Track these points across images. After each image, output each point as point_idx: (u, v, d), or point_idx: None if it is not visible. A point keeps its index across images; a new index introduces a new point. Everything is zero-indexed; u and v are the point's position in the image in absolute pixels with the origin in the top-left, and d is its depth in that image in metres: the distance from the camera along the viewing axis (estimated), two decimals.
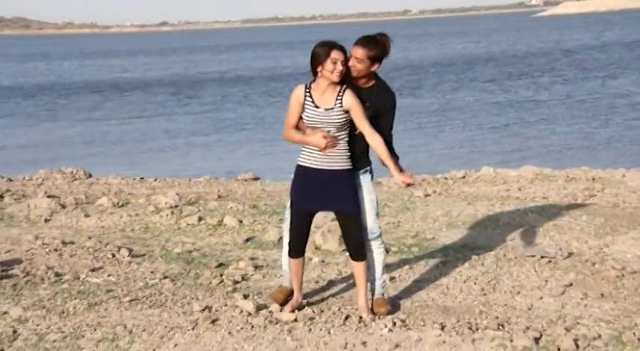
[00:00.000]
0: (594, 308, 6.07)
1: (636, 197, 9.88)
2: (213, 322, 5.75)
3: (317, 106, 5.67)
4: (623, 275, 6.81)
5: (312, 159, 5.72)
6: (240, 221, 9.09)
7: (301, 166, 5.78)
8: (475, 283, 6.69)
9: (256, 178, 13.50)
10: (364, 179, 5.88)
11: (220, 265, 7.39)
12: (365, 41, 5.74)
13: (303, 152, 5.76)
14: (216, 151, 22.81)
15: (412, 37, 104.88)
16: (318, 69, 5.65)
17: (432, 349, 5.25)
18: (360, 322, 5.73)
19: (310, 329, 5.59)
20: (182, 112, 32.85)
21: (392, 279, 6.84)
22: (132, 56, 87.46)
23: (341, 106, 5.65)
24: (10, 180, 13.14)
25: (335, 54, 5.60)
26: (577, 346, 5.26)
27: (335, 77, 5.61)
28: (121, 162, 20.57)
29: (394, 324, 5.65)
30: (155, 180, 13.33)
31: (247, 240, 8.38)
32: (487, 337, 5.42)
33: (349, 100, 5.65)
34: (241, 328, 5.62)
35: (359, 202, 5.83)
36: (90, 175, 13.87)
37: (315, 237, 7.95)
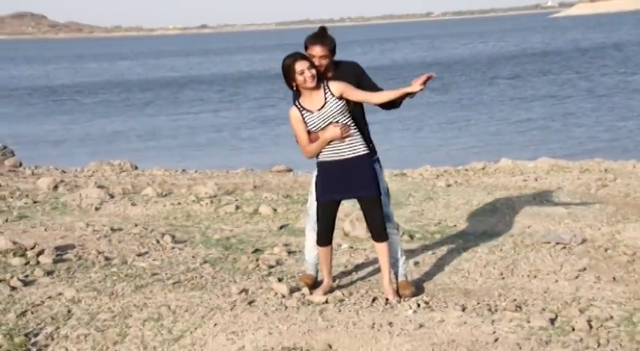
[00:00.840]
0: (607, 291, 6.01)
1: None
2: (250, 303, 5.77)
3: (312, 111, 5.63)
4: (633, 260, 6.74)
5: (330, 152, 5.68)
6: (275, 210, 9.11)
7: (322, 161, 5.74)
8: (494, 268, 6.65)
9: (289, 170, 13.51)
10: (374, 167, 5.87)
11: (256, 250, 7.40)
12: (319, 39, 5.70)
13: (322, 150, 5.72)
14: (258, 144, 22.84)
15: (437, 37, 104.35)
16: (293, 84, 5.62)
17: (454, 329, 5.23)
18: (386, 304, 5.72)
19: (340, 310, 5.59)
20: (226, 107, 32.91)
21: (416, 264, 6.82)
22: (177, 56, 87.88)
23: (333, 96, 5.61)
24: (64, 172, 13.27)
25: (298, 65, 5.56)
26: (590, 327, 5.22)
27: (309, 84, 5.57)
28: (168, 154, 20.72)
29: (418, 306, 5.64)
30: (196, 171, 13.39)
31: (281, 227, 8.40)
32: (505, 318, 5.39)
33: (337, 86, 5.63)
34: (276, 309, 5.64)
35: (379, 186, 5.78)
36: (136, 167, 13.96)
37: (344, 224, 7.94)
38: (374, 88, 5.79)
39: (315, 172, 5.88)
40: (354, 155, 5.67)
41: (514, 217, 8.44)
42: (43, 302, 5.91)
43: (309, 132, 5.68)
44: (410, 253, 7.14)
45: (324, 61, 5.69)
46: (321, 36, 5.74)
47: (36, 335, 5.32)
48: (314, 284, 6.17)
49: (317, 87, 5.62)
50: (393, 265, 6.00)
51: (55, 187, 10.93)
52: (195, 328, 5.37)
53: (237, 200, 9.75)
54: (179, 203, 9.64)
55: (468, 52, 64.03)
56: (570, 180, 10.53)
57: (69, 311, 5.72)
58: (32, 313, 5.69)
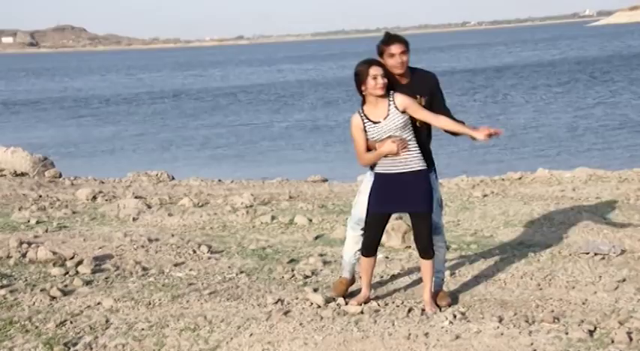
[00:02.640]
0: None
1: None
2: (285, 313, 5.77)
3: (376, 122, 5.62)
4: None
5: (388, 165, 5.66)
6: (310, 220, 9.11)
7: (380, 173, 5.71)
8: (531, 279, 6.59)
9: (325, 180, 13.52)
10: (430, 177, 5.82)
11: (292, 260, 7.41)
12: (395, 37, 5.71)
13: (379, 162, 5.70)
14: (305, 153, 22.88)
15: (479, 47, 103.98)
16: (362, 88, 5.62)
17: (491, 340, 5.18)
18: (422, 314, 5.69)
19: (375, 321, 5.57)
20: (274, 118, 32.90)
21: (452, 274, 6.78)
22: (219, 67, 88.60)
23: (397, 110, 5.59)
24: (102, 182, 13.41)
25: (373, 70, 5.56)
26: (630, 339, 5.14)
27: (379, 91, 5.56)
28: (212, 163, 20.92)
29: (454, 317, 5.60)
30: (232, 182, 13.45)
31: (316, 237, 8.39)
32: (543, 329, 5.33)
33: (402, 100, 5.60)
34: (311, 320, 5.64)
35: (432, 203, 5.75)
36: (173, 178, 14.07)
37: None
38: (443, 107, 5.76)
39: (369, 174, 5.86)
40: (410, 170, 5.65)
41: (551, 227, 8.36)
42: (82, 312, 5.97)
43: (367, 140, 5.69)
44: (446, 264, 7.11)
45: (405, 58, 5.66)
46: (395, 35, 5.75)
47: (75, 344, 5.37)
48: (348, 289, 6.14)
49: (383, 96, 5.61)
50: (434, 276, 5.97)
51: (94, 198, 11.05)
52: (232, 338, 5.39)
53: (272, 210, 9.78)
54: (215, 213, 9.69)
55: (513, 60, 63.71)
56: (609, 190, 10.40)
57: (107, 321, 5.77)
58: (71, 322, 5.75)
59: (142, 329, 5.60)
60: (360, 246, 6.01)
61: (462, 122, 5.70)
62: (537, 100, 33.22)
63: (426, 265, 5.82)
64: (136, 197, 10.78)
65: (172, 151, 24.58)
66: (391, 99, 5.62)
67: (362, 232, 5.99)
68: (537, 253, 7.32)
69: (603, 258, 7.06)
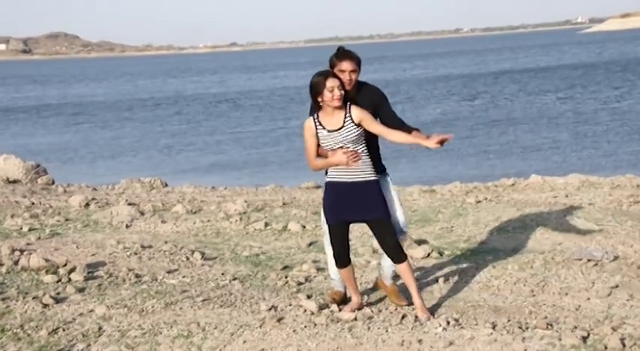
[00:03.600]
0: None
1: None
2: (279, 320, 5.76)
3: (330, 130, 5.64)
4: None
5: (340, 174, 5.68)
6: (304, 226, 9.11)
7: (330, 182, 5.73)
8: (525, 285, 6.59)
9: (318, 187, 13.51)
10: (384, 179, 5.94)
11: (285, 267, 7.40)
12: (347, 54, 5.80)
13: (330, 169, 5.72)
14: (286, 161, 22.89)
15: (478, 53, 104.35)
16: (319, 99, 5.63)
17: (484, 347, 5.18)
18: (415, 321, 5.68)
19: (369, 328, 5.56)
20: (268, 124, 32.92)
21: (445, 281, 6.78)
22: (215, 73, 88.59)
23: (352, 122, 5.62)
24: (95, 189, 13.39)
25: (330, 82, 5.58)
26: (623, 345, 5.14)
27: (336, 103, 5.59)
28: (206, 170, 20.93)
29: (448, 323, 5.59)
30: (225, 188, 13.44)
31: (310, 244, 8.39)
32: (537, 335, 5.33)
33: (358, 113, 5.64)
34: (305, 326, 5.62)
35: (387, 208, 5.75)
36: (166, 185, 14.06)
37: (373, 241, 7.92)
38: (392, 117, 5.85)
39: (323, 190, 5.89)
40: (362, 180, 5.67)
41: (544, 233, 8.37)
42: (75, 319, 5.95)
43: (318, 145, 5.71)
44: (439, 270, 7.11)
45: (354, 76, 5.77)
46: (347, 52, 5.84)
47: None
48: (343, 300, 6.16)
49: (340, 108, 5.64)
50: (389, 267, 6.06)
51: (87, 205, 11.03)
52: (225, 346, 5.37)
53: (266, 217, 9.77)
54: (209, 220, 9.68)
55: (510, 65, 64.04)
56: (601, 196, 10.42)
57: (100, 328, 5.75)
58: (64, 330, 5.72)
59: (135, 337, 5.58)
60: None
61: (417, 129, 5.78)
62: (531, 104, 33.38)
63: (402, 269, 5.80)
64: (129, 204, 10.76)
65: (166, 158, 24.57)
66: (348, 111, 5.65)
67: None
68: (530, 260, 7.33)
69: (596, 264, 7.07)
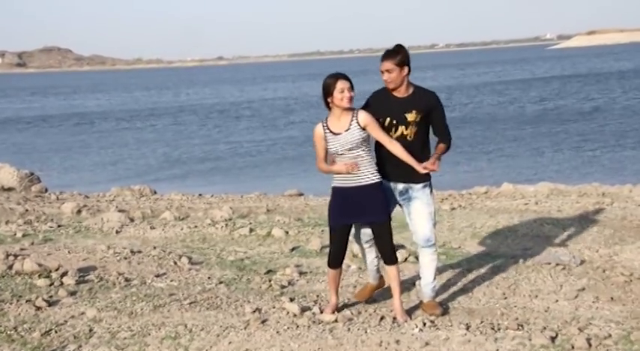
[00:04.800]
0: (605, 310, 5.97)
1: None
2: (263, 322, 5.75)
3: (336, 133, 5.67)
4: (631, 281, 6.70)
5: (344, 179, 5.72)
6: (287, 232, 9.10)
7: (336, 187, 5.77)
8: (497, 288, 6.62)
9: (300, 194, 13.51)
10: (423, 192, 5.83)
11: (269, 271, 7.39)
12: (387, 53, 5.78)
13: (336, 175, 5.76)
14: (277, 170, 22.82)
15: (458, 66, 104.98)
16: (329, 99, 5.67)
17: (459, 347, 5.19)
18: (393, 322, 5.69)
19: (349, 329, 5.56)
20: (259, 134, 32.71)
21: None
22: (207, 85, 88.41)
23: (357, 125, 5.64)
24: (87, 197, 13.32)
25: (340, 84, 5.63)
26: (589, 345, 5.18)
27: (345, 104, 5.63)
28: (193, 178, 20.89)
29: (424, 324, 5.60)
30: (212, 196, 13.40)
31: (293, 249, 8.38)
32: (508, 336, 5.36)
33: (364, 117, 5.67)
34: (288, 328, 5.62)
35: (388, 212, 5.79)
36: (155, 192, 14.00)
37: (353, 246, 7.92)
38: (441, 126, 5.81)
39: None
40: (365, 183, 5.69)
41: (515, 239, 8.41)
42: (67, 321, 5.91)
43: (326, 149, 5.73)
44: (416, 274, 7.12)
45: (393, 75, 5.70)
46: (389, 51, 5.79)
47: None
48: (372, 294, 6.19)
49: (348, 110, 5.66)
50: (425, 286, 5.96)
51: (79, 212, 10.97)
52: (211, 347, 5.36)
53: (251, 223, 9.75)
54: (196, 226, 9.65)
55: (484, 80, 64.38)
56: (569, 204, 10.49)
57: (91, 330, 5.72)
58: (56, 331, 5.69)
59: (125, 338, 5.55)
60: (374, 254, 6.03)
61: (447, 145, 5.78)
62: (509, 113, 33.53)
63: (392, 271, 5.83)
64: (119, 211, 10.71)
65: (156, 166, 24.47)
66: (355, 114, 5.68)
67: (367, 244, 6.02)
68: (502, 264, 7.36)
69: (564, 268, 7.11)
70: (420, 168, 5.64)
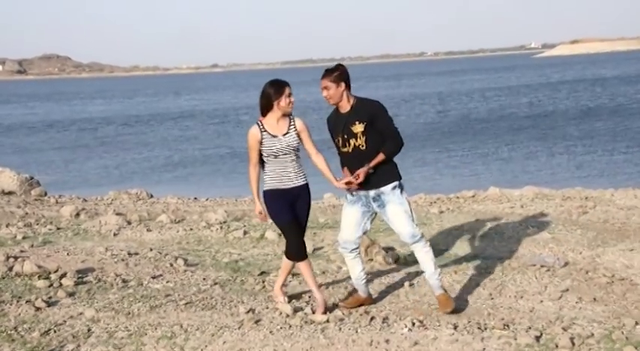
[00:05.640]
0: (588, 310, 5.99)
1: (624, 214, 9.75)
2: (256, 322, 5.75)
3: (274, 136, 5.85)
4: (612, 282, 6.72)
5: (280, 182, 5.94)
6: (280, 235, 9.08)
7: (272, 189, 5.96)
8: (483, 289, 6.63)
9: None
10: (393, 194, 5.86)
11: (262, 273, 7.39)
12: (325, 71, 5.91)
13: (268, 179, 5.96)
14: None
15: (450, 73, 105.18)
16: (275, 103, 5.83)
17: (447, 346, 5.20)
18: (383, 322, 5.70)
19: (340, 329, 5.57)
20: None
21: (411, 285, 6.80)
22: (206, 92, 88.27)
23: (295, 130, 5.88)
24: (85, 200, 13.28)
25: (288, 90, 5.87)
26: (573, 344, 5.20)
27: (290, 108, 5.88)
28: (189, 182, 20.83)
29: (413, 324, 5.61)
30: (207, 199, 13.38)
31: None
32: (494, 335, 5.37)
33: (300, 123, 5.95)
34: (281, 328, 5.62)
35: (309, 211, 6.10)
36: (151, 196, 13.97)
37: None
38: (387, 131, 5.82)
39: (347, 199, 6.01)
40: (299, 184, 5.95)
41: (502, 241, 8.42)
42: (65, 322, 5.89)
43: (260, 151, 5.91)
44: (405, 275, 7.13)
45: (331, 91, 5.82)
46: (328, 70, 5.91)
47: None
48: (359, 304, 6.16)
49: (286, 116, 5.90)
50: (430, 278, 5.96)
51: (77, 215, 10.94)
52: (206, 346, 5.35)
53: (245, 226, 9.74)
54: (191, 229, 9.64)
55: (482, 86, 64.51)
56: (553, 207, 10.51)
57: (89, 330, 5.71)
58: (55, 331, 5.67)
59: (122, 338, 5.54)
60: (360, 266, 6.09)
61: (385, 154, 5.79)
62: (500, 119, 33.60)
63: (303, 267, 6.07)
64: (116, 214, 10.68)
65: (152, 171, 24.44)
66: (292, 120, 5.91)
67: (351, 254, 6.07)
68: (489, 265, 7.37)
69: (549, 270, 7.13)
70: (336, 184, 5.90)
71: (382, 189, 5.84)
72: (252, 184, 6.01)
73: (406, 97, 54.33)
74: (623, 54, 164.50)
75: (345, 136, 5.82)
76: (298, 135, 5.90)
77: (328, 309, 5.98)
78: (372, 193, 5.88)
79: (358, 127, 5.77)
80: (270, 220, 6.08)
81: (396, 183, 5.89)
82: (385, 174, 5.84)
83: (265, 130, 5.87)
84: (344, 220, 6.08)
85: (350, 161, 5.86)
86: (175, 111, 53.56)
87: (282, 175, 5.90)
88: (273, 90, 5.84)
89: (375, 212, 5.99)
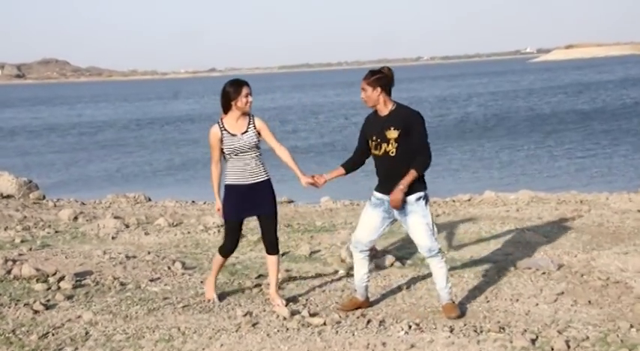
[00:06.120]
0: (583, 313, 5.99)
1: (618, 217, 9.76)
2: (253, 325, 5.74)
3: (233, 134, 6.01)
4: (607, 285, 6.72)
5: (239, 178, 6.07)
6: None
7: (231, 184, 6.10)
8: (479, 292, 6.62)
9: (290, 201, 13.50)
10: (417, 204, 5.79)
11: (259, 276, 7.38)
12: (366, 74, 5.88)
13: (230, 175, 6.10)
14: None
15: (448, 78, 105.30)
16: (233, 102, 5.98)
17: (443, 349, 5.20)
18: (380, 326, 5.69)
19: (337, 332, 5.56)
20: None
21: (407, 288, 6.80)
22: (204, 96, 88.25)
23: (254, 128, 6.03)
24: (83, 204, 13.26)
25: (245, 90, 6.03)
26: (568, 347, 5.19)
27: (248, 108, 6.03)
28: (186, 185, 20.83)
29: (409, 327, 5.61)
30: (204, 203, 13.37)
31: (282, 254, 8.36)
32: (490, 338, 5.36)
33: (260, 122, 6.10)
34: (278, 331, 5.61)
35: (276, 205, 6.20)
36: (149, 199, 13.95)
37: (341, 251, 7.94)
38: (417, 145, 5.72)
39: (370, 200, 5.99)
40: (257, 181, 6.08)
41: (497, 244, 8.42)
42: (63, 325, 5.88)
43: (221, 149, 6.06)
44: (402, 278, 7.13)
45: (366, 93, 5.81)
46: (369, 72, 5.89)
47: None
48: (356, 307, 6.15)
49: (245, 115, 6.06)
50: (440, 290, 5.94)
51: (75, 218, 10.92)
52: (203, 349, 5.34)
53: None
54: (189, 232, 9.63)
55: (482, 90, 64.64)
56: (549, 211, 10.52)
57: (87, 333, 5.70)
58: (53, 334, 5.66)
59: (120, 341, 5.53)
60: (366, 268, 6.10)
61: (421, 172, 5.76)
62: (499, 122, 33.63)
63: (273, 260, 6.21)
64: (114, 217, 10.67)
65: (150, 174, 24.41)
66: (251, 119, 6.04)
67: (360, 254, 6.06)
68: (485, 268, 7.37)
69: (544, 273, 7.13)
70: (302, 180, 6.04)
71: (407, 198, 5.77)
72: (213, 181, 6.24)
73: (404, 100, 54.34)
74: (617, 59, 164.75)
75: (379, 140, 5.77)
76: (258, 133, 6.05)
77: (317, 313, 5.97)
78: None
79: (392, 133, 5.71)
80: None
81: (421, 194, 5.81)
82: (412, 183, 5.75)
83: (225, 129, 6.04)
84: (362, 221, 6.04)
85: (378, 164, 5.86)
86: (175, 114, 53.48)
87: (243, 171, 6.08)
88: (232, 89, 6.02)
89: (395, 219, 5.96)
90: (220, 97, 6.06)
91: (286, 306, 6.19)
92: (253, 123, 6.08)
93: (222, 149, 6.07)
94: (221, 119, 6.09)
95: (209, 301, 6.38)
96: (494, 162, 23.46)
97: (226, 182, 6.14)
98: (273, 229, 6.20)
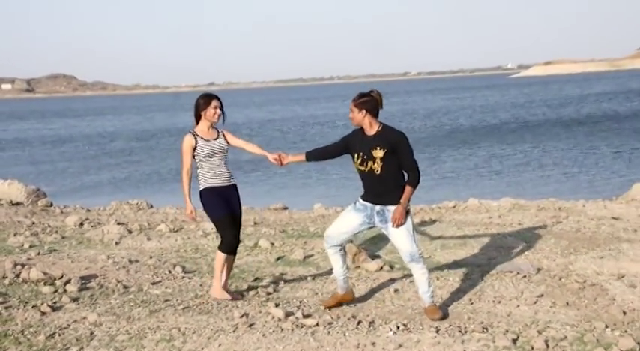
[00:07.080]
0: (561, 314, 5.99)
1: (594, 224, 9.77)
2: (250, 326, 5.73)
3: (207, 140, 6.29)
4: (584, 287, 6.73)
5: (216, 181, 6.33)
6: (272, 243, 9.08)
7: (210, 187, 6.33)
8: (464, 294, 6.62)
9: (285, 208, 13.47)
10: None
11: (256, 279, 7.37)
12: (355, 96, 5.89)
13: (206, 179, 6.33)
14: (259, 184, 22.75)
15: (436, 92, 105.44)
16: (202, 113, 6.29)
17: (429, 348, 5.19)
18: (369, 326, 5.68)
19: (329, 332, 5.55)
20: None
21: (396, 290, 6.79)
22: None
23: (223, 136, 6.43)
24: (89, 210, 13.22)
25: (215, 102, 6.33)
26: (547, 346, 5.20)
27: (216, 119, 6.34)
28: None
29: (398, 328, 5.60)
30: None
31: (278, 259, 8.36)
32: (474, 338, 5.36)
33: (226, 131, 6.50)
34: (273, 331, 5.60)
35: (241, 207, 6.51)
36: (151, 206, 13.91)
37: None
38: (408, 163, 5.75)
39: (353, 204, 5.99)
40: (230, 184, 6.43)
41: (481, 249, 8.43)
42: (69, 325, 5.86)
43: (193, 157, 6.31)
44: (390, 281, 7.13)
45: (352, 114, 5.85)
46: (358, 94, 5.89)
47: None
48: (338, 303, 6.16)
49: (214, 127, 6.37)
50: (423, 294, 5.92)
51: (81, 224, 10.89)
52: (202, 348, 5.32)
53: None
54: (189, 238, 9.61)
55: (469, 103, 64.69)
56: (529, 217, 10.53)
57: (92, 333, 5.67)
58: (59, 335, 5.64)
59: (123, 340, 5.51)
60: (341, 262, 6.06)
61: (413, 185, 5.80)
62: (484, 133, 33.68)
63: (219, 256, 6.40)
64: (118, 224, 10.64)
65: (152, 182, 24.37)
66: (220, 131, 6.46)
67: (331, 249, 6.04)
68: (469, 272, 7.37)
69: (524, 276, 7.13)
70: (269, 157, 6.27)
71: (389, 207, 5.80)
72: (184, 186, 6.39)
73: (394, 113, 54.51)
74: (593, 75, 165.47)
75: (365, 157, 5.78)
76: (226, 140, 6.39)
77: (310, 314, 5.95)
78: (377, 207, 5.85)
79: (379, 153, 5.73)
80: (199, 219, 6.38)
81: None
82: (396, 193, 5.77)
83: (198, 136, 6.31)
84: (340, 219, 6.04)
85: (363, 179, 5.87)
86: (180, 126, 53.44)
87: (217, 174, 6.31)
88: (203, 101, 6.34)
89: (372, 226, 5.96)
90: (193, 108, 6.36)
91: (277, 306, 6.17)
92: (222, 132, 6.43)
93: (194, 156, 6.29)
94: (194, 129, 6.35)
95: (227, 300, 6.44)
96: (481, 171, 23.52)
97: (205, 186, 6.34)
98: (238, 229, 6.48)
